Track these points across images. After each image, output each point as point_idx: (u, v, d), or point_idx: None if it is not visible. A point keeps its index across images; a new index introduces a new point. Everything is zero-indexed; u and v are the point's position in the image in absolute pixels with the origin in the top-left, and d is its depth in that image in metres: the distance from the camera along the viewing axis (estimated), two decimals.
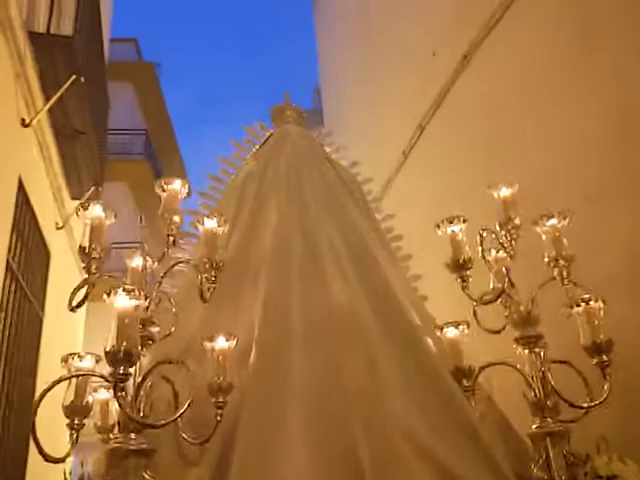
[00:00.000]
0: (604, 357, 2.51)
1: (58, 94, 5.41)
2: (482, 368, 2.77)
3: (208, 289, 2.40)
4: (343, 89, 9.29)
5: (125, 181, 13.87)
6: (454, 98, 5.47)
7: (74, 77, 5.48)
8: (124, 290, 2.02)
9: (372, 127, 7.53)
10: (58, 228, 6.59)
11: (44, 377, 5.34)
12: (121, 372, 1.98)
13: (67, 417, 2.38)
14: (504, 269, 2.78)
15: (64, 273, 6.62)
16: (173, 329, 2.64)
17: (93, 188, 6.89)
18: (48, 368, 5.67)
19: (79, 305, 2.26)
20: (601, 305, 2.56)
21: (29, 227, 5.65)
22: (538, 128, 4.24)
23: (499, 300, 2.83)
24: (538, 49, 4.36)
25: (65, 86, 5.43)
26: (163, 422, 2.11)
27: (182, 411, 2.11)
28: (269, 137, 3.86)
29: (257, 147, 3.85)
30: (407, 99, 6.37)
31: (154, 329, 2.48)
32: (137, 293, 2.04)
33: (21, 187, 5.24)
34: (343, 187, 3.66)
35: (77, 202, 6.71)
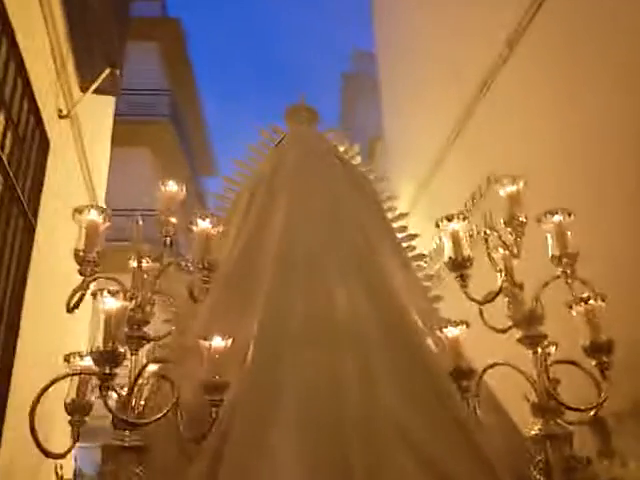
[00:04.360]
0: (604, 358, 2.42)
1: None
2: (485, 369, 2.72)
3: (201, 289, 2.43)
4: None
5: (148, 146, 13.07)
6: None
7: None
8: (109, 292, 2.08)
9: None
10: (61, 116, 5.19)
11: (32, 300, 4.32)
12: (107, 372, 2.04)
13: (68, 414, 2.47)
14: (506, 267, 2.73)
15: (65, 172, 5.27)
16: (173, 328, 2.70)
17: (108, 70, 5.35)
18: (37, 287, 4.47)
19: (76, 306, 2.34)
20: (602, 304, 2.48)
21: (25, 110, 4.33)
22: None
23: (505, 299, 2.78)
24: None
25: None
26: (147, 420, 2.16)
27: (166, 411, 2.16)
28: (282, 139, 3.90)
29: (270, 151, 3.90)
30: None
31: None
32: (123, 295, 2.11)
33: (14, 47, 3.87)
34: (354, 187, 3.66)
35: (85, 91, 5.44)
